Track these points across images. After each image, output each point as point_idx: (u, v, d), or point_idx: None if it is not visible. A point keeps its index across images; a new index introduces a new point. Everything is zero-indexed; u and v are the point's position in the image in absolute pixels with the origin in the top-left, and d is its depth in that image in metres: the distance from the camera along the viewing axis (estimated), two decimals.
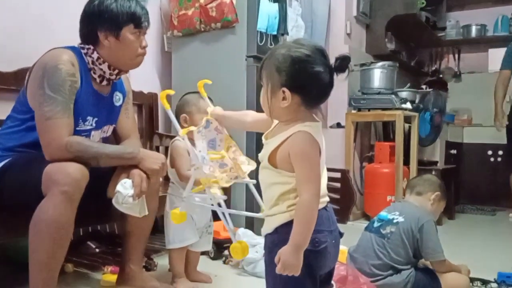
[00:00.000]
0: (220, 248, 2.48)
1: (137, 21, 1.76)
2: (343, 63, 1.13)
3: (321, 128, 1.18)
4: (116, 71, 1.82)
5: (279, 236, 1.16)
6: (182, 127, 1.91)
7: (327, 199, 1.22)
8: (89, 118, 1.79)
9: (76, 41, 1.81)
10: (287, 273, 1.10)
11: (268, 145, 1.19)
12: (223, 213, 1.31)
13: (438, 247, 1.89)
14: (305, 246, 1.10)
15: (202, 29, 2.93)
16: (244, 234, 2.35)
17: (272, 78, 1.15)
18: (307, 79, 1.13)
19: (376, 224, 1.99)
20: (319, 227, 1.14)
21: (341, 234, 1.24)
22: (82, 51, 1.77)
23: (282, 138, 1.15)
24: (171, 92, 1.44)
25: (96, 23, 1.76)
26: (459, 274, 1.98)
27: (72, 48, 1.76)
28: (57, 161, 1.59)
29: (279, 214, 1.17)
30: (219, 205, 1.31)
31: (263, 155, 1.20)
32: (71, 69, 1.68)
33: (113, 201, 1.72)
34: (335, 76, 1.15)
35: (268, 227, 1.20)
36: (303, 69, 1.12)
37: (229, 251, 2.40)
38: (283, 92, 1.13)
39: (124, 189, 1.70)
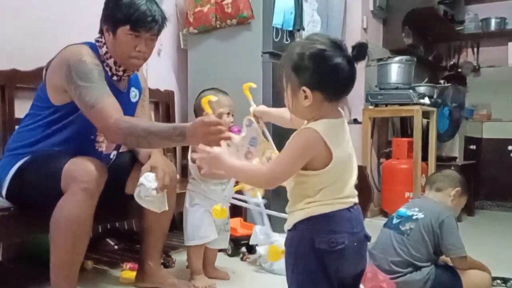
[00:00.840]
0: (238, 245, 2.48)
1: (134, 23, 1.69)
2: (360, 50, 1.11)
3: (344, 123, 1.17)
4: (122, 68, 1.79)
5: (297, 233, 1.17)
6: None
7: (353, 200, 1.18)
8: None
9: (92, 39, 1.82)
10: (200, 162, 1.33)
11: None
12: (262, 214, 1.39)
13: (459, 243, 1.87)
14: (221, 174, 1.23)
15: (218, 26, 2.92)
16: (261, 231, 2.34)
17: (290, 79, 1.14)
18: (326, 73, 1.10)
19: (395, 221, 1.96)
20: (337, 228, 1.13)
21: (367, 238, 1.21)
22: (97, 44, 1.78)
23: None
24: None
25: (102, 16, 1.77)
26: (481, 271, 1.95)
27: (88, 43, 1.76)
28: (117, 143, 1.66)
29: (298, 211, 1.16)
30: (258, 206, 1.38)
31: None
32: (94, 60, 1.69)
33: (135, 195, 1.73)
34: (356, 66, 1.13)
35: (288, 223, 1.20)
36: (320, 64, 1.09)
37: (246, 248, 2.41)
38: (304, 91, 1.11)
39: (147, 182, 1.71)
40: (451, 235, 1.86)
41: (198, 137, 1.49)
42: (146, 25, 1.71)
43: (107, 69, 1.78)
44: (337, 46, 1.11)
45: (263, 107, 1.41)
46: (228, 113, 2.01)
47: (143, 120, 1.79)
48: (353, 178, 1.19)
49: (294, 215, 1.18)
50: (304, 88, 1.11)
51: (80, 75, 1.63)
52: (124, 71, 1.81)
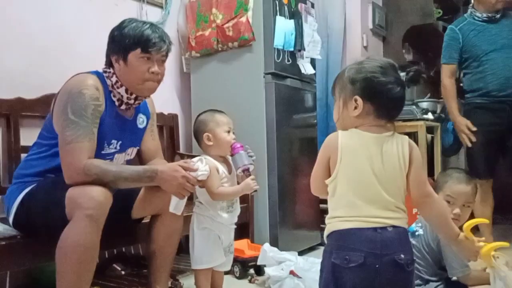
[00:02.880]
0: (246, 267, 2.45)
1: (144, 45, 1.72)
2: (414, 74, 1.23)
3: (378, 140, 1.20)
4: (134, 95, 1.81)
5: (325, 246, 1.23)
6: (206, 146, 1.96)
7: (384, 221, 1.17)
8: (113, 141, 1.81)
9: (98, 65, 1.84)
10: None
11: None
12: None
13: (458, 263, 1.78)
14: None
15: (220, 49, 2.96)
16: (269, 249, 2.33)
17: (345, 89, 1.23)
18: (378, 88, 1.19)
19: None
20: (353, 245, 1.15)
21: (400, 264, 1.15)
22: (104, 74, 1.79)
23: None
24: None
25: (110, 47, 1.79)
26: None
27: (96, 73, 1.78)
28: (76, 184, 1.60)
29: (326, 225, 1.23)
30: None
31: None
32: (95, 93, 1.70)
33: (172, 207, 1.78)
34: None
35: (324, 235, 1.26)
36: (375, 78, 1.19)
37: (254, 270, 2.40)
38: (355, 101, 1.20)
39: (202, 165, 1.80)
40: (449, 255, 1.80)
41: (168, 185, 1.69)
42: (156, 45, 1.74)
43: (115, 99, 1.80)
44: (393, 68, 1.21)
45: None
46: (229, 131, 2.01)
47: (113, 165, 1.79)
48: (385, 199, 1.18)
49: (325, 229, 1.24)
50: (357, 97, 1.20)
51: (74, 109, 1.65)
52: (135, 98, 1.82)
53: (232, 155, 1.96)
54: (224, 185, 1.96)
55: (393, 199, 1.19)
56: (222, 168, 1.96)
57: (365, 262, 1.13)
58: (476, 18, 3.00)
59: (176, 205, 1.77)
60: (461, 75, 3.25)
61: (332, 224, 1.20)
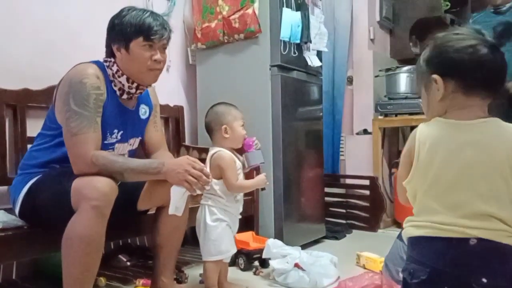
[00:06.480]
0: (250, 259, 2.46)
1: (146, 33, 1.72)
2: (506, 27, 1.09)
3: (473, 127, 0.97)
4: (135, 84, 1.80)
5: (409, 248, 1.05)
6: (222, 138, 1.98)
7: (465, 230, 0.93)
8: (115, 131, 1.81)
9: (104, 56, 1.84)
10: None
11: None
12: None
13: None
14: None
15: (226, 41, 2.95)
16: (273, 245, 2.33)
17: (422, 74, 1.05)
18: (456, 57, 0.98)
19: None
20: (419, 257, 0.98)
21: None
22: (105, 64, 1.79)
23: None
24: None
25: (111, 36, 1.79)
26: None
27: (96, 62, 1.78)
28: (84, 175, 1.61)
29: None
30: None
31: None
32: (96, 82, 1.70)
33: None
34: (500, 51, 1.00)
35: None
36: (450, 48, 0.99)
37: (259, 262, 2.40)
38: (435, 81, 1.00)
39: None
40: None
41: (174, 173, 1.65)
42: (158, 32, 1.75)
43: (116, 88, 1.80)
44: (475, 31, 1.01)
45: None
46: (243, 125, 2.04)
47: (121, 156, 1.80)
48: (473, 204, 0.94)
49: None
50: (434, 76, 1.00)
51: (76, 99, 1.65)
52: (137, 87, 1.82)
53: (244, 150, 2.00)
54: (239, 177, 1.99)
55: (487, 204, 0.93)
56: (238, 161, 2.00)
57: (428, 280, 0.94)
58: (491, 9, 2.93)
59: (176, 207, 1.72)
60: None
61: (405, 229, 1.04)
